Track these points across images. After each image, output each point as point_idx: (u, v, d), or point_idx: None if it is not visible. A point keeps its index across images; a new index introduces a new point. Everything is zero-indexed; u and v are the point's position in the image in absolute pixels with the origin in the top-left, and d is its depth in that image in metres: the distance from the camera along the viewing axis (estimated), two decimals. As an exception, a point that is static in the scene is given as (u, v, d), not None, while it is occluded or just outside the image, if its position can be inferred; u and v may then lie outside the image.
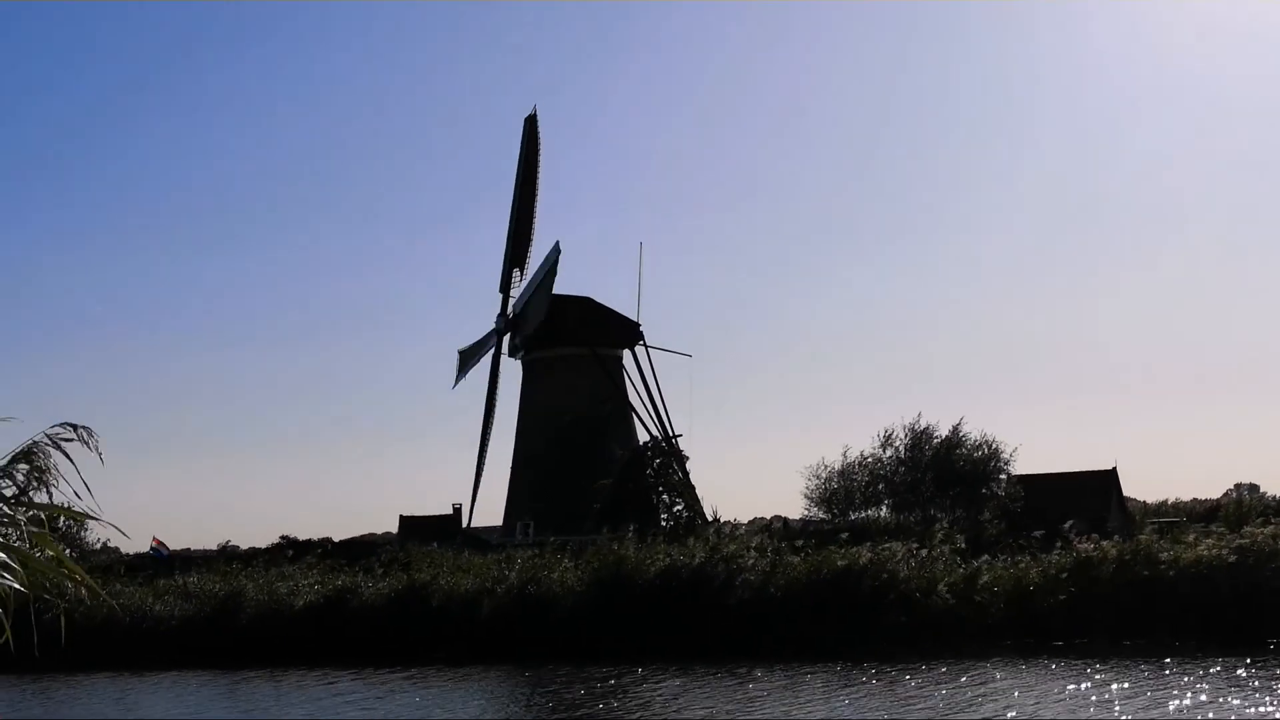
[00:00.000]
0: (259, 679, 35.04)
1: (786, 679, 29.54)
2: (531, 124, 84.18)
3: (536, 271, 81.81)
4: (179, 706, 30.54)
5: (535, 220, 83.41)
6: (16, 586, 3.81)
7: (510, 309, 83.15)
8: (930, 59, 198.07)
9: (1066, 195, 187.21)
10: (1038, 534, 42.31)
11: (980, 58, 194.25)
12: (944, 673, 29.25)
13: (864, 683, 28.59)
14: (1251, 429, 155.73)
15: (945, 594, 36.12)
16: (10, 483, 4.34)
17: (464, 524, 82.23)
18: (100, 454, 4.40)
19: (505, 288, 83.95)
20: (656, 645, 34.80)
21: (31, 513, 4.38)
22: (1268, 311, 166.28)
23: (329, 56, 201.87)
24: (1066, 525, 41.72)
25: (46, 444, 4.26)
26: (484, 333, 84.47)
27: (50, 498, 4.27)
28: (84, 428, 4.26)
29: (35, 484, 4.27)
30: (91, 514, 4.20)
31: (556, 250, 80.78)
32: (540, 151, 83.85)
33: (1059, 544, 39.63)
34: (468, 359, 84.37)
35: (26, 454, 4.29)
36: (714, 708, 26.00)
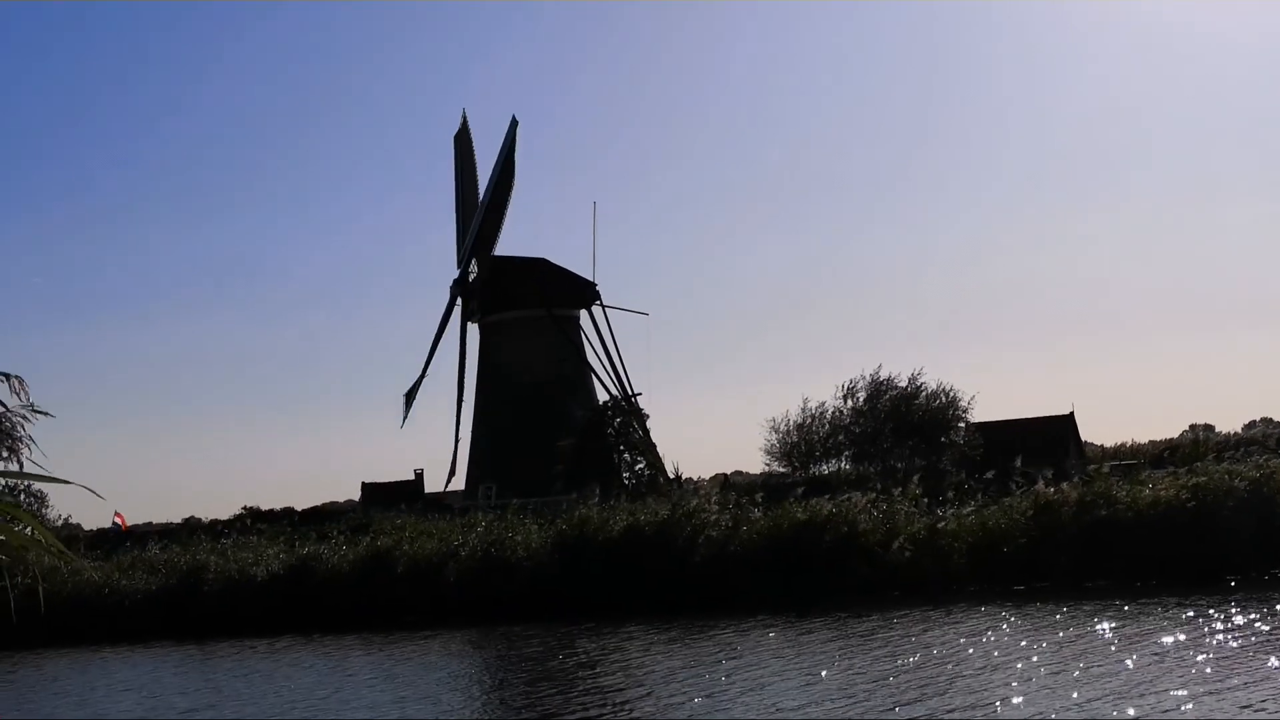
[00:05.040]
0: (230, 650, 34.96)
1: (748, 632, 29.71)
2: (464, 137, 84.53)
3: (499, 153, 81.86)
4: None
5: (479, 192, 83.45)
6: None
7: (468, 247, 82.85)
8: (882, 14, 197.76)
9: (1018, 145, 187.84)
10: (989, 474, 42.55)
11: (929, 7, 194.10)
12: (901, 622, 29.49)
13: (822, 634, 28.76)
14: (1206, 370, 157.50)
15: (906, 545, 36.32)
16: None
17: (445, 488, 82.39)
18: (32, 404, 4.34)
19: (461, 258, 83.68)
20: (623, 603, 34.96)
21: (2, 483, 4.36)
22: (1221, 254, 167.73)
23: (278, 34, 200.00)
24: (1016, 463, 41.92)
25: (19, 414, 4.20)
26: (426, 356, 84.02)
27: (21, 466, 4.21)
28: (16, 377, 4.17)
29: (6, 453, 4.22)
30: (63, 479, 4.14)
31: (514, 123, 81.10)
32: (475, 155, 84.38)
33: (1015, 484, 39.81)
34: (411, 398, 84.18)
35: None
36: (680, 661, 26.13)
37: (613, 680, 24.69)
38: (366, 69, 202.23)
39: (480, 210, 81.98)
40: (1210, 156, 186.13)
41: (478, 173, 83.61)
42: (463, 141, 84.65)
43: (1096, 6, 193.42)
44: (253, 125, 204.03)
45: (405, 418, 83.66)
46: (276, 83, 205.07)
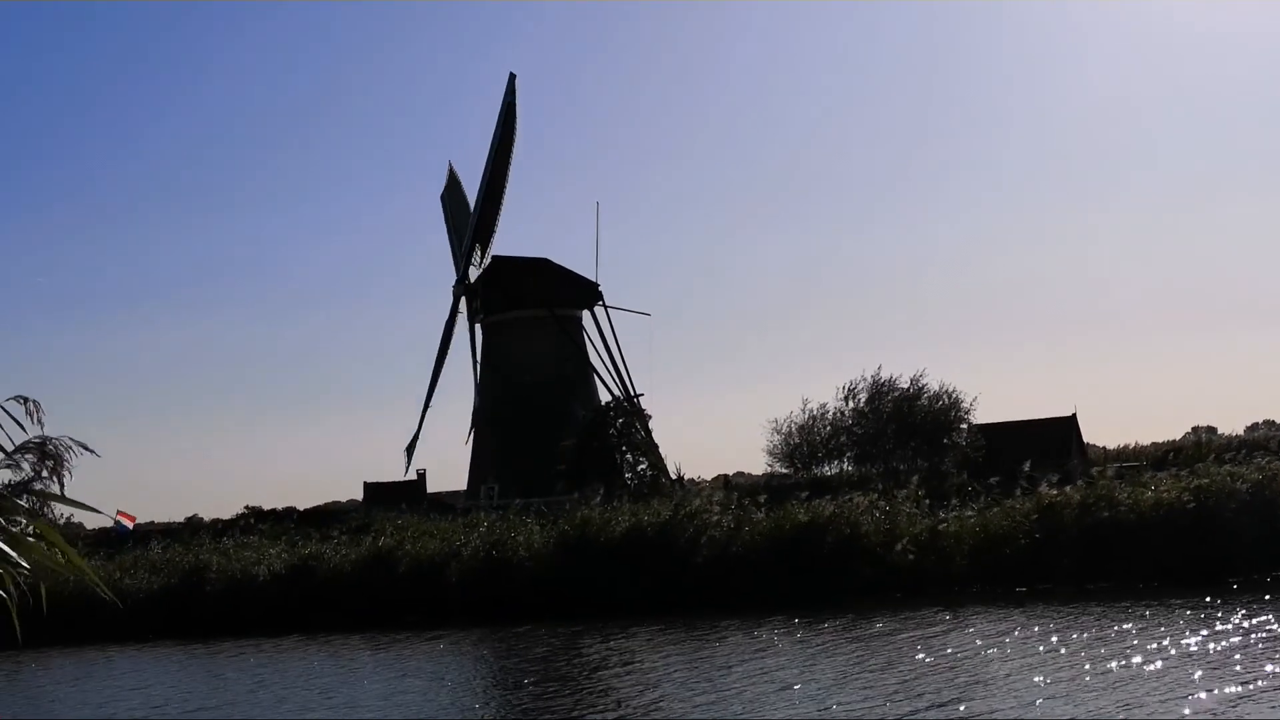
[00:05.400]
0: (236, 650, 34.95)
1: (756, 633, 29.67)
2: (453, 189, 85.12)
3: (499, 112, 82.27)
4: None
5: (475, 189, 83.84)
6: (25, 571, 3.83)
7: (468, 242, 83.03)
8: (882, 14, 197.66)
9: (1019, 144, 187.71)
10: (994, 480, 42.48)
11: (929, 8, 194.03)
12: (910, 623, 29.44)
13: (831, 635, 28.74)
14: (1209, 372, 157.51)
15: (909, 546, 36.30)
16: (18, 472, 4.39)
17: (466, 441, 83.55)
18: (42, 427, 4.41)
19: (463, 258, 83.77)
20: (624, 603, 34.92)
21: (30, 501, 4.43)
22: (1223, 254, 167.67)
23: (278, 34, 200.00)
24: (1026, 465, 41.92)
25: (65, 439, 4.26)
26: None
27: (62, 489, 4.31)
28: (33, 401, 4.24)
29: (48, 474, 4.30)
30: (95, 508, 4.22)
31: (512, 77, 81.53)
32: (468, 199, 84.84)
33: (1021, 487, 39.81)
34: (412, 450, 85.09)
35: (40, 445, 4.29)
36: (693, 662, 26.11)
37: (627, 681, 24.59)
38: (367, 69, 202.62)
39: (481, 194, 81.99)
40: (1211, 155, 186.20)
41: (470, 207, 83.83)
42: (452, 195, 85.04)
43: (1096, 6, 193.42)
44: (253, 125, 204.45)
45: (408, 469, 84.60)
46: (276, 83, 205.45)
